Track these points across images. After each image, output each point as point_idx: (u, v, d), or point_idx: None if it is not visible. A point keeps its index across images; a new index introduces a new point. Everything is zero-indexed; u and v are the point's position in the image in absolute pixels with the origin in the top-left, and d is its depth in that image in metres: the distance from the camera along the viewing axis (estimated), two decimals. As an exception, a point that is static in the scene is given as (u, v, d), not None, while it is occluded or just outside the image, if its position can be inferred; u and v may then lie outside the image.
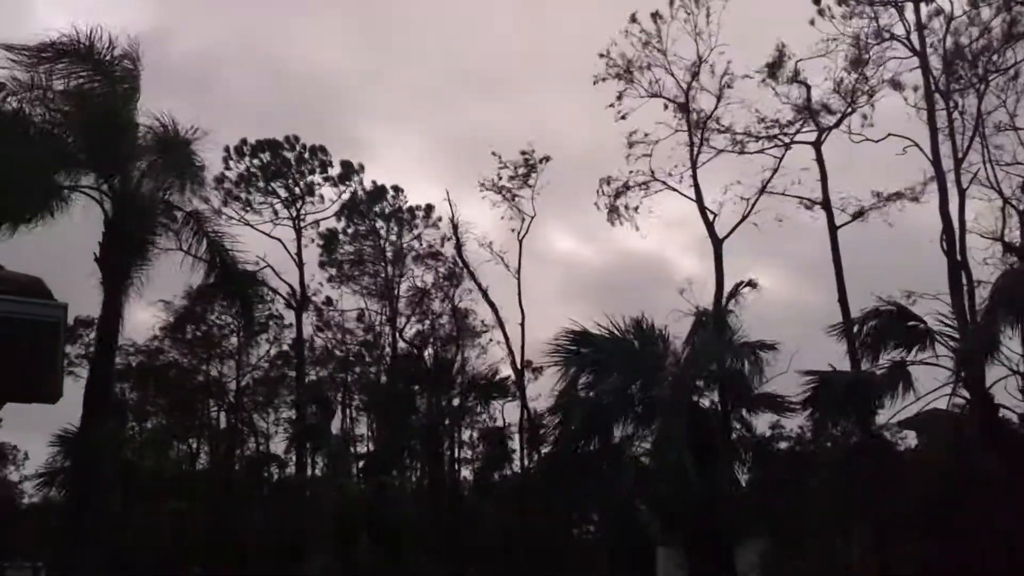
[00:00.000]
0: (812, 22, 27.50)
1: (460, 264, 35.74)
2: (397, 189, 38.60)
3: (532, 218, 33.14)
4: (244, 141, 37.10)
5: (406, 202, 38.31)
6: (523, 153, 32.83)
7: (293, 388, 36.71)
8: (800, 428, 31.03)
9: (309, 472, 33.19)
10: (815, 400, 18.72)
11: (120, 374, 36.69)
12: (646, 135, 28.93)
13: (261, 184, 37.30)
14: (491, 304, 32.61)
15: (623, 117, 28.84)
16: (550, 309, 57.15)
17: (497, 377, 33.22)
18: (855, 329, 19.17)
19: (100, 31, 16.93)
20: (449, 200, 33.52)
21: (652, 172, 29.03)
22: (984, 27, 26.27)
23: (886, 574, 20.59)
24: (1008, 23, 26.03)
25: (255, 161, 37.45)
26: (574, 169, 55.97)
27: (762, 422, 21.94)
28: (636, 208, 29.54)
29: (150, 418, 38.63)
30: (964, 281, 24.62)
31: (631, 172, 29.25)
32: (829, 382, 18.57)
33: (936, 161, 25.83)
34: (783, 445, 21.36)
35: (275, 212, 37.32)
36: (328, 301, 38.56)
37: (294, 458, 34.59)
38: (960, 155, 25.99)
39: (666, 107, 28.83)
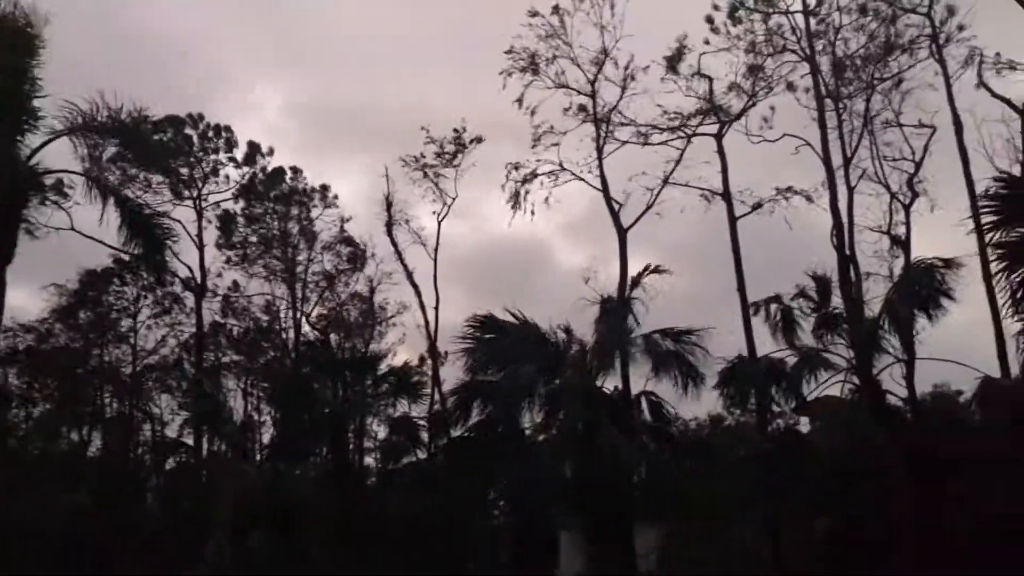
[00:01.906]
0: (707, 41, 28.34)
1: (367, 245, 35.53)
2: (296, 170, 37.95)
3: (454, 199, 33.00)
4: (144, 118, 35.85)
5: (305, 183, 37.67)
6: (455, 131, 32.63)
7: (191, 373, 35.83)
8: (697, 417, 32.16)
9: (207, 459, 32.51)
10: (727, 385, 19.37)
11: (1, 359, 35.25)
12: (552, 127, 29.20)
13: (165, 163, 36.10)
14: (415, 286, 32.41)
15: (532, 112, 29.03)
16: (454, 295, 57.05)
17: (404, 371, 33.12)
18: (759, 311, 19.86)
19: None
20: (387, 175, 32.95)
21: (560, 162, 29.33)
22: (870, 36, 27.52)
23: (780, 552, 21.49)
24: (891, 35, 27.39)
25: (156, 139, 36.23)
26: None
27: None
28: (547, 199, 29.78)
29: (38, 404, 37.06)
30: (853, 274, 25.72)
31: (539, 160, 29.47)
32: (740, 369, 19.25)
33: (826, 160, 26.82)
34: (684, 430, 21.90)
35: (175, 193, 36.14)
36: (235, 286, 37.70)
37: (192, 444, 33.86)
38: (849, 154, 27.10)
39: (569, 106, 29.16)
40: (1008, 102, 24.98)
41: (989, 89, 25.56)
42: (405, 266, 32.50)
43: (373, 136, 53.88)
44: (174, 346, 37.59)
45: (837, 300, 20.05)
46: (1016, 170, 23.49)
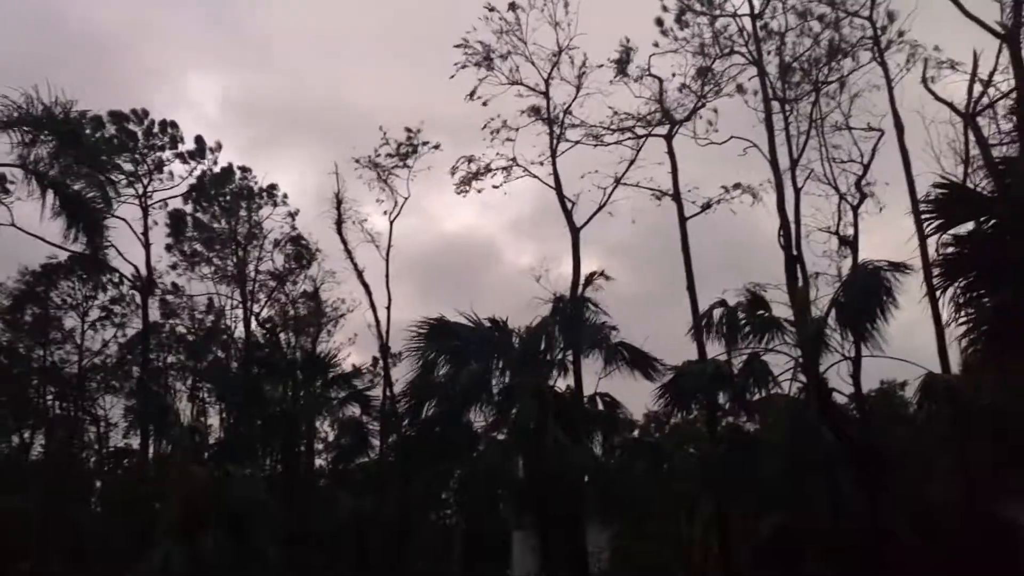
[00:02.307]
0: (656, 44, 28.57)
1: (308, 244, 35.27)
2: (246, 169, 37.53)
3: (406, 199, 32.81)
4: (83, 114, 35.19)
5: (256, 182, 37.27)
6: (408, 130, 32.42)
7: (137, 374, 35.23)
8: (650, 416, 32.41)
9: (154, 461, 31.96)
10: (673, 388, 19.55)
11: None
12: (504, 123, 29.19)
13: (104, 159, 35.40)
14: (365, 285, 32.13)
15: (484, 103, 28.98)
16: (405, 293, 56.87)
17: (354, 375, 32.89)
18: (706, 319, 20.11)
19: None
20: (337, 173, 32.59)
21: (514, 158, 29.34)
22: (815, 39, 27.97)
23: (726, 549, 21.76)
24: (835, 38, 27.86)
25: (98, 135, 35.52)
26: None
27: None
28: (502, 189, 29.76)
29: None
30: (800, 274, 26.11)
31: (497, 155, 29.45)
32: (687, 371, 19.43)
33: (773, 161, 27.21)
34: (636, 429, 22.07)
35: (117, 191, 35.44)
36: (174, 287, 37.12)
37: (137, 446, 33.29)
38: (796, 156, 27.53)
39: (523, 108, 29.19)
40: (951, 105, 25.60)
41: (932, 92, 26.15)
42: (355, 265, 32.26)
43: (311, 130, 53.56)
44: (120, 346, 36.99)
45: (780, 298, 20.37)
46: (960, 170, 24.12)
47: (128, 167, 35.15)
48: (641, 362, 21.60)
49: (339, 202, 32.29)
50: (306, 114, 53.77)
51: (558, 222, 28.27)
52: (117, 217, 35.10)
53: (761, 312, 19.38)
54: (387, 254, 32.03)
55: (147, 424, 31.63)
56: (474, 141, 31.46)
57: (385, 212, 32.52)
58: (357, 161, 32.17)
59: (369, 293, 31.84)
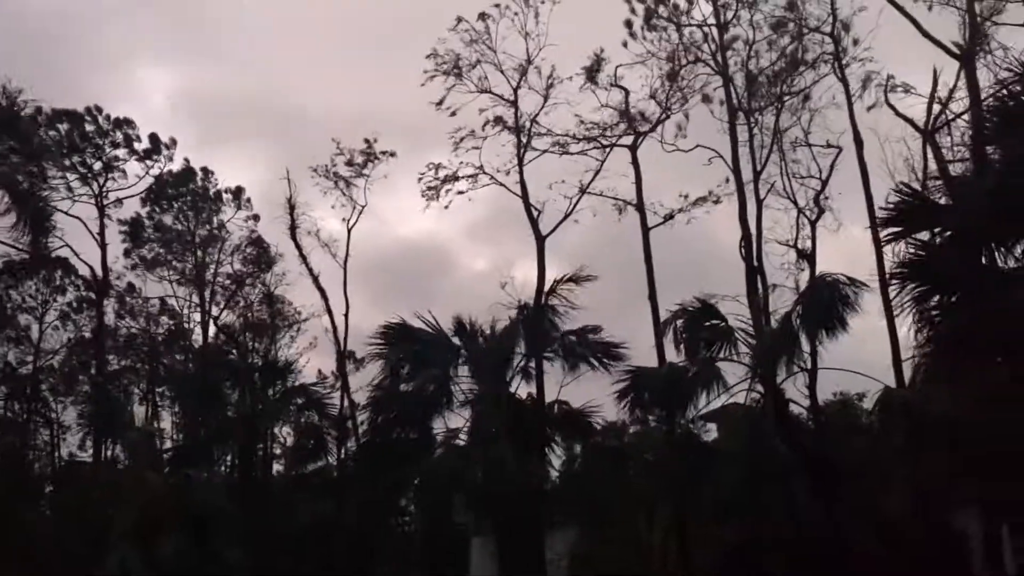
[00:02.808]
0: (625, 44, 28.78)
1: (269, 248, 35.04)
2: (207, 171, 37.20)
3: (363, 207, 32.73)
4: (39, 110, 34.78)
5: (216, 184, 36.97)
6: (366, 141, 32.37)
7: (93, 375, 34.70)
8: (609, 422, 32.53)
9: (108, 466, 31.47)
10: (630, 393, 19.67)
11: None
12: (472, 132, 29.25)
13: (60, 158, 34.89)
14: (321, 291, 31.99)
15: (452, 114, 29.03)
16: (364, 298, 56.60)
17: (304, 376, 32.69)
18: (668, 327, 20.27)
19: None
20: (289, 179, 32.40)
21: (481, 166, 29.40)
22: (781, 52, 28.34)
23: (686, 555, 21.93)
24: (799, 51, 28.26)
25: (52, 133, 35.02)
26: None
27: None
28: (468, 195, 29.82)
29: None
30: (760, 285, 26.42)
31: (461, 163, 29.50)
32: (644, 377, 19.56)
33: (737, 172, 27.57)
34: (596, 436, 22.12)
35: (70, 188, 34.96)
36: (130, 287, 36.65)
37: (92, 451, 32.74)
38: (759, 168, 27.87)
39: (489, 117, 29.27)
40: (911, 122, 26.09)
41: (893, 108, 26.64)
42: (311, 270, 32.17)
43: (259, 127, 53.03)
44: (74, 347, 36.43)
45: (740, 310, 20.63)
46: (917, 187, 24.53)
47: (83, 168, 34.73)
48: (604, 353, 21.53)
49: (292, 208, 32.15)
50: (254, 111, 53.20)
51: (517, 225, 28.47)
52: (72, 216, 34.80)
53: (715, 322, 19.58)
54: (345, 261, 31.93)
55: (100, 428, 31.16)
56: (428, 140, 31.69)
57: (344, 219, 32.43)
58: (315, 170, 32.10)
59: (325, 299, 31.79)
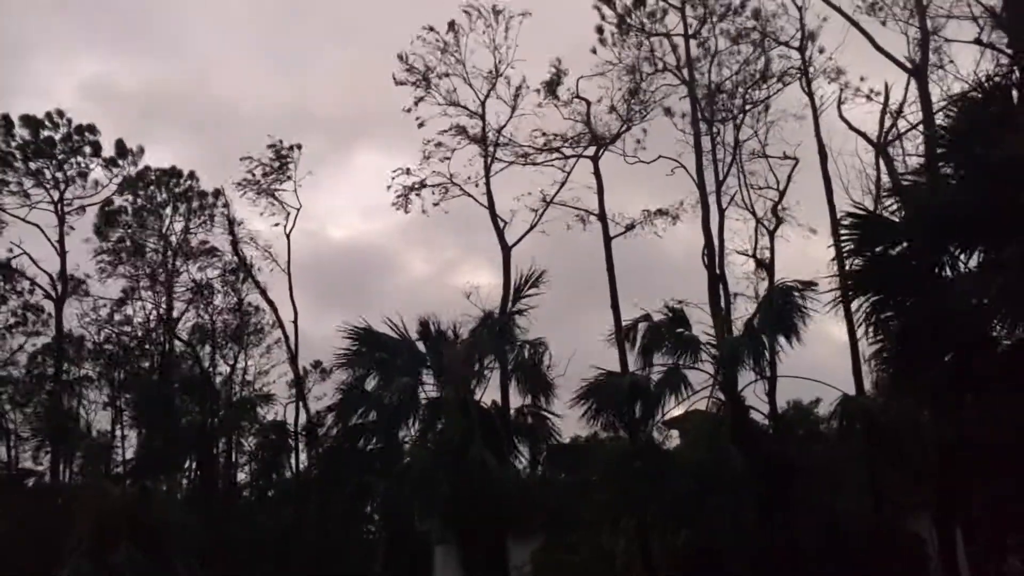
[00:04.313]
0: (594, 51, 29.04)
1: (237, 260, 34.64)
2: (192, 175, 36.82)
3: (299, 210, 32.55)
4: (5, 116, 34.38)
5: (197, 187, 36.55)
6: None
7: (50, 385, 34.12)
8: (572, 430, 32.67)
9: (66, 476, 30.96)
10: (589, 400, 19.79)
11: None
12: (439, 144, 29.34)
13: (19, 164, 34.43)
14: (269, 302, 31.81)
15: (420, 124, 29.09)
16: (309, 305, 56.11)
17: (259, 390, 32.48)
18: (630, 334, 20.46)
19: None
20: (224, 194, 32.26)
21: (450, 176, 29.48)
22: (743, 63, 28.78)
23: (649, 562, 22.08)
24: (765, 64, 28.72)
25: (11, 140, 34.57)
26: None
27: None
28: (438, 205, 29.86)
29: None
30: (722, 293, 26.78)
31: (430, 172, 29.56)
32: (605, 384, 19.70)
33: (700, 183, 27.90)
34: (559, 443, 22.22)
35: (27, 195, 34.53)
36: (94, 298, 36.15)
37: (47, 462, 32.16)
38: (721, 178, 28.26)
39: (451, 127, 29.39)
40: (864, 135, 26.65)
41: (847, 122, 27.17)
42: (257, 283, 32.09)
43: (173, 122, 52.49)
44: (30, 356, 35.82)
45: (703, 318, 20.90)
46: (868, 200, 25.05)
47: (46, 174, 34.32)
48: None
49: (231, 222, 32.00)
50: (170, 105, 52.74)
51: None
52: (29, 223, 34.33)
53: (680, 330, 19.82)
54: (288, 268, 31.77)
55: (51, 438, 30.66)
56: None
57: (277, 224, 32.24)
58: (239, 184, 31.95)
59: (275, 309, 31.60)
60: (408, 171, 29.60)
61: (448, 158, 29.27)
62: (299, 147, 32.11)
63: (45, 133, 34.95)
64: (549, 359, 21.52)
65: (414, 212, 29.19)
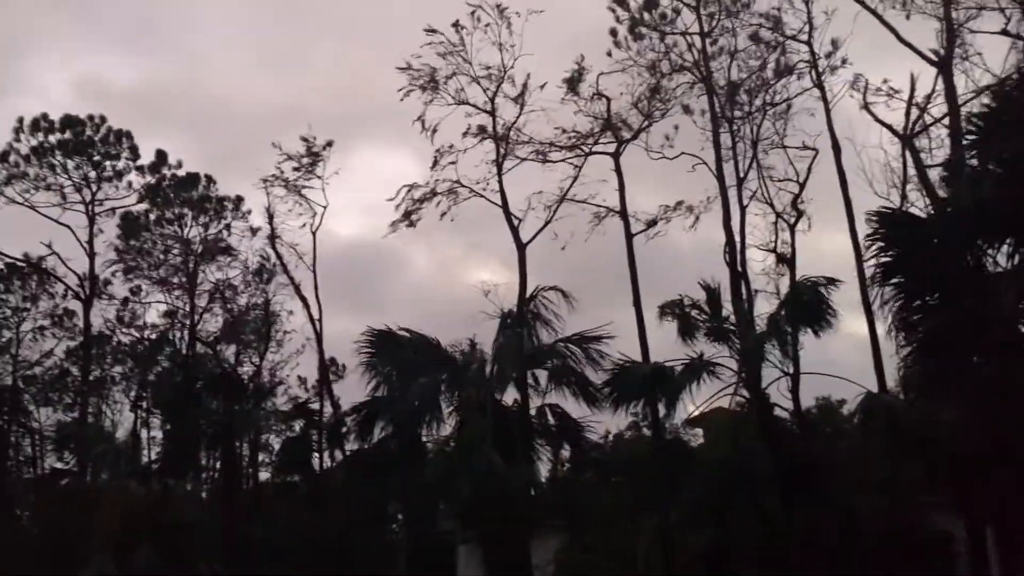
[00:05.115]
0: (609, 53, 28.81)
1: (268, 259, 34.74)
2: (210, 179, 36.98)
3: (325, 208, 32.49)
4: (45, 115, 34.80)
5: (216, 192, 36.71)
6: (304, 140, 32.14)
7: (79, 386, 34.41)
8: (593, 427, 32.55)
9: (90, 476, 31.19)
10: (614, 387, 19.68)
11: None
12: (451, 146, 29.16)
13: (58, 161, 34.85)
14: (302, 298, 31.78)
15: (433, 131, 28.88)
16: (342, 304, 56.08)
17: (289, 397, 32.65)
18: (665, 315, 20.26)
19: None
20: (266, 188, 32.18)
21: (460, 180, 29.27)
22: (763, 62, 28.52)
23: (670, 561, 21.92)
24: (780, 60, 28.46)
25: (51, 138, 35.03)
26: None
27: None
28: (446, 214, 29.72)
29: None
30: (744, 290, 26.53)
31: (437, 180, 29.34)
32: (628, 371, 19.57)
33: (720, 179, 27.56)
34: (583, 442, 22.18)
35: (63, 196, 34.91)
36: (125, 301, 36.39)
37: (75, 461, 32.37)
38: (741, 175, 27.97)
39: (468, 126, 29.22)
40: (890, 127, 26.29)
41: (872, 114, 26.78)
42: (291, 279, 31.95)
43: (167, 120, 52.31)
44: (59, 357, 36.17)
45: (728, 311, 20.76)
46: (894, 193, 24.75)
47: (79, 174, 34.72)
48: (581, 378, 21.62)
49: (271, 216, 31.95)
50: (165, 103, 52.70)
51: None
52: (61, 224, 34.67)
53: (712, 323, 19.68)
54: (314, 266, 31.69)
55: (71, 439, 30.83)
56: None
57: (304, 224, 32.15)
58: (265, 181, 31.87)
59: (307, 306, 31.52)
60: (412, 187, 29.23)
61: (454, 162, 29.01)
62: (331, 144, 32.01)
63: (86, 134, 35.43)
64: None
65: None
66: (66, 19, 57.91)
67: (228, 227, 35.88)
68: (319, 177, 31.89)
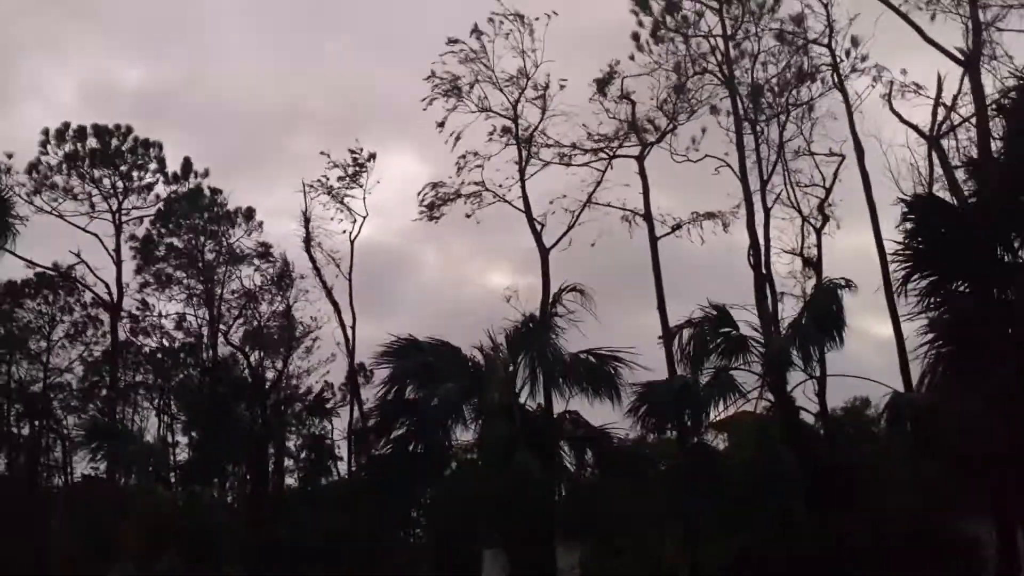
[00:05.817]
0: (632, 57, 28.85)
1: (291, 266, 35.06)
2: (215, 191, 37.36)
3: (364, 218, 32.82)
4: (67, 125, 35.30)
5: (226, 203, 37.11)
6: (351, 152, 32.52)
7: (107, 393, 34.79)
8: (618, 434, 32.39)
9: (118, 482, 31.51)
10: (641, 407, 19.62)
11: None
12: (475, 153, 29.31)
13: (87, 169, 35.32)
14: (334, 303, 32.07)
15: (457, 138, 29.06)
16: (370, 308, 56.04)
17: (312, 395, 32.75)
18: (677, 337, 20.25)
19: None
20: (304, 190, 32.57)
21: (484, 183, 29.40)
22: (786, 64, 28.41)
23: (697, 566, 21.79)
24: (804, 63, 28.34)
25: (79, 146, 35.53)
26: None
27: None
28: (470, 216, 29.83)
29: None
30: (768, 293, 26.42)
31: (462, 182, 29.51)
32: (655, 391, 19.50)
33: (744, 182, 27.60)
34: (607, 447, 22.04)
35: (92, 205, 35.41)
36: (144, 304, 36.78)
37: (103, 465, 32.75)
38: (765, 177, 27.90)
39: (492, 130, 29.33)
40: (916, 128, 26.09)
41: (898, 115, 26.60)
42: (324, 283, 32.26)
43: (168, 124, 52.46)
44: (87, 365, 36.56)
45: (750, 319, 20.62)
46: (922, 192, 24.50)
47: (107, 183, 35.12)
48: (608, 387, 21.52)
49: (307, 220, 32.28)
50: (167, 104, 53.12)
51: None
52: (89, 232, 35.12)
53: (727, 330, 19.53)
54: (350, 273, 32.00)
55: (100, 445, 31.12)
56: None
57: (344, 231, 32.50)
58: (311, 186, 32.30)
59: (338, 312, 31.75)
60: (437, 184, 29.51)
61: (480, 166, 29.19)
62: (374, 156, 32.50)
63: (113, 144, 35.86)
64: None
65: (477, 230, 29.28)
66: (66, 19, 58.58)
67: (242, 236, 36.24)
68: (361, 187, 32.36)
